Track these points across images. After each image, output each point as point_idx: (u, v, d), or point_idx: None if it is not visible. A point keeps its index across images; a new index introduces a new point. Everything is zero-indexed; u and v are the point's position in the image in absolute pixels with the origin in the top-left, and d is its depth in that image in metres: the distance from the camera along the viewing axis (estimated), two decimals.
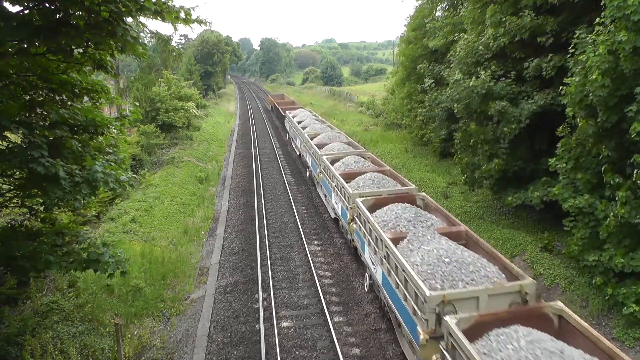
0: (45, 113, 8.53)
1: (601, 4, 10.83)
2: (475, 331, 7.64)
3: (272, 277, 14.62)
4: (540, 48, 14.59)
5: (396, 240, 11.09)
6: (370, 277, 13.01)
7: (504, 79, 15.30)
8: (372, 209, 13.56)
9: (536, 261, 13.84)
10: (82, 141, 8.91)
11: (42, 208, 9.41)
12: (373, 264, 12.22)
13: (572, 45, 12.13)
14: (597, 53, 10.53)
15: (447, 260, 9.64)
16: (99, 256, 8.94)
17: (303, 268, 15.30)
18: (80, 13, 7.27)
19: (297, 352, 10.92)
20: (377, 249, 11.73)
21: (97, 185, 8.46)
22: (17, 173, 8.77)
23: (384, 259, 11.05)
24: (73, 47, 8.01)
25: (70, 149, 8.57)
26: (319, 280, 14.21)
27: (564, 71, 12.92)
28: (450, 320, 7.67)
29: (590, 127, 11.32)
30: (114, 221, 17.87)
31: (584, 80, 11.14)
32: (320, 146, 23.16)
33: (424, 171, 24.98)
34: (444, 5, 27.73)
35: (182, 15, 8.03)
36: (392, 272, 10.44)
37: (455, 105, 16.47)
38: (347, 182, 16.18)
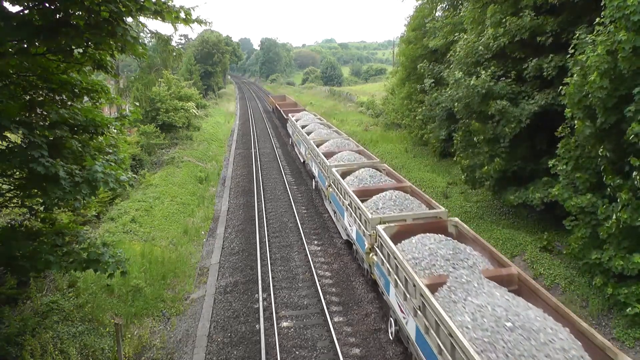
0: (45, 113, 8.53)
1: (601, 4, 10.83)
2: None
3: (272, 277, 14.62)
4: (540, 48, 14.59)
5: (434, 287, 9.01)
6: (396, 323, 10.89)
7: (504, 79, 15.31)
8: (397, 237, 11.46)
9: (536, 261, 13.85)
10: (82, 141, 8.91)
11: (42, 208, 9.40)
12: (402, 311, 10.09)
13: (572, 45, 12.13)
14: (595, 53, 10.53)
15: (509, 325, 7.36)
16: (99, 256, 8.94)
17: (303, 268, 15.30)
18: (80, 13, 7.26)
19: (297, 352, 10.92)
20: (407, 294, 9.61)
21: (97, 185, 8.46)
22: (17, 173, 8.77)
23: (418, 310, 9.01)
24: (73, 47, 8.01)
25: (70, 149, 8.57)
26: (319, 280, 14.21)
27: (565, 71, 12.93)
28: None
29: (588, 128, 11.32)
30: (114, 221, 17.87)
31: (582, 81, 11.15)
32: (327, 155, 21.07)
33: (423, 171, 24.99)
34: (444, 5, 27.74)
35: (182, 15, 8.03)
36: (432, 331, 8.38)
37: (456, 104, 16.47)
38: (362, 201, 14.09)
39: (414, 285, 9.09)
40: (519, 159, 15.79)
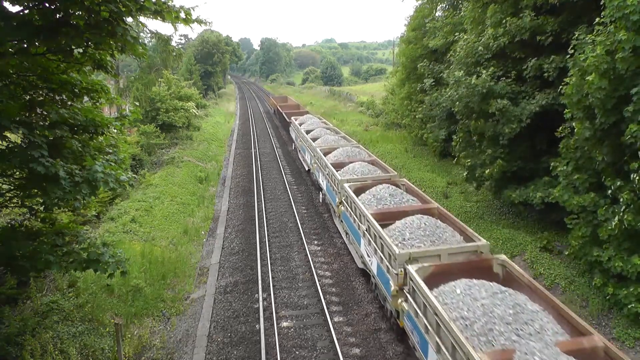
0: (45, 113, 8.53)
1: (601, 3, 10.84)
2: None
3: (272, 277, 14.61)
4: (540, 48, 14.60)
5: None
6: None
7: (504, 79, 15.31)
8: (432, 280, 9.26)
9: (536, 261, 13.85)
10: (82, 141, 8.91)
11: (42, 208, 9.40)
12: None
13: (571, 46, 12.13)
14: (594, 53, 10.52)
15: None
16: (99, 256, 8.95)
17: (303, 268, 15.30)
18: (80, 13, 7.27)
19: (297, 352, 10.92)
20: None
21: (97, 185, 8.46)
22: (17, 173, 8.77)
23: None
24: (73, 47, 8.01)
25: (70, 149, 8.57)
26: (319, 280, 14.20)
27: (565, 71, 12.95)
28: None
29: (587, 130, 11.32)
30: (114, 221, 17.87)
31: (580, 82, 11.15)
32: (337, 166, 18.76)
33: (424, 171, 24.99)
34: (444, 5, 27.75)
35: (182, 15, 8.03)
36: None
37: (456, 104, 16.47)
38: (383, 226, 11.90)
39: None
40: (519, 158, 15.80)
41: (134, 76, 33.57)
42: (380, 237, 11.25)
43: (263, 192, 24.02)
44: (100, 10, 7.00)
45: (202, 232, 19.08)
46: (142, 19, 8.47)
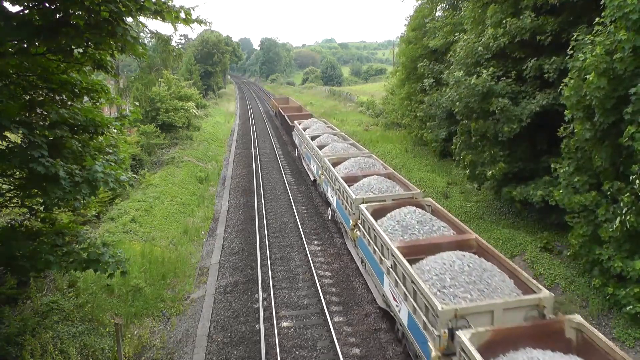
0: (45, 113, 8.54)
1: (601, 3, 10.84)
2: None
3: (272, 277, 14.62)
4: (540, 48, 14.59)
5: None
6: None
7: (504, 79, 15.31)
8: (487, 347, 7.38)
9: (536, 261, 13.85)
10: (82, 141, 8.92)
11: (42, 208, 9.40)
12: None
13: (570, 47, 12.13)
14: (594, 53, 10.52)
15: None
16: (99, 256, 8.95)
17: (303, 268, 15.30)
18: (80, 13, 7.27)
19: (297, 352, 10.92)
20: None
21: (97, 185, 8.47)
22: (17, 173, 8.77)
23: None
24: (73, 47, 8.01)
25: (70, 149, 8.58)
26: (319, 280, 14.20)
27: (565, 72, 12.95)
28: None
29: (587, 131, 11.31)
30: (114, 221, 17.87)
31: (579, 83, 11.15)
32: (349, 180, 16.55)
33: (424, 171, 25.00)
34: (444, 6, 27.76)
35: (182, 15, 8.03)
36: None
37: (457, 104, 16.46)
38: (412, 262, 9.84)
39: None
40: (520, 159, 15.82)
41: (134, 76, 33.59)
42: (413, 282, 9.00)
43: (263, 192, 24.02)
44: (100, 10, 7.00)
45: (202, 232, 19.08)
46: (142, 19, 8.48)
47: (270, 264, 15.59)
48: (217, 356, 10.95)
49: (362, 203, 13.65)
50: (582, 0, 13.21)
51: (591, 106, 11.09)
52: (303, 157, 27.61)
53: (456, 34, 20.09)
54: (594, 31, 11.24)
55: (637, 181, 9.85)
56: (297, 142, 31.11)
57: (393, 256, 10.26)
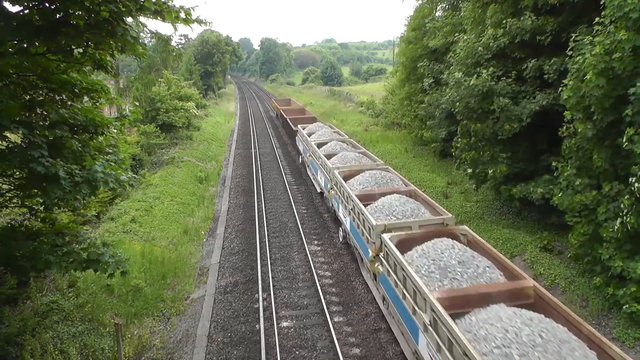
0: (45, 113, 8.53)
1: (601, 3, 10.83)
2: None
3: (272, 277, 14.62)
4: (540, 48, 14.59)
5: None
6: None
7: (504, 78, 15.31)
8: None
9: (536, 261, 13.85)
10: (82, 141, 8.92)
11: (42, 208, 9.40)
12: None
13: (570, 47, 12.13)
14: (593, 53, 10.52)
15: None
16: (99, 256, 8.95)
17: (303, 268, 15.29)
18: (80, 13, 7.27)
19: (297, 352, 10.92)
20: None
21: (97, 185, 8.47)
22: (17, 173, 8.77)
23: None
24: (73, 47, 8.02)
25: (70, 149, 8.58)
26: (319, 280, 14.21)
27: (565, 73, 12.94)
28: None
29: (589, 131, 11.31)
30: (114, 221, 17.87)
31: (578, 84, 11.15)
32: (364, 198, 14.47)
33: (424, 171, 25.00)
34: (444, 6, 27.76)
35: (182, 15, 8.04)
36: None
37: (457, 104, 16.46)
38: (454, 316, 8.04)
39: None
40: (521, 160, 15.82)
41: (134, 76, 33.58)
42: (467, 355, 7.01)
43: (263, 192, 24.02)
44: (100, 10, 7.01)
45: (202, 232, 19.08)
46: (142, 19, 8.48)
47: (270, 264, 15.59)
48: (217, 356, 10.95)
49: (385, 232, 11.61)
50: (582, 0, 13.21)
51: (590, 106, 11.09)
52: (308, 166, 25.32)
53: (456, 34, 20.08)
54: (594, 31, 11.24)
55: (636, 184, 9.85)
56: (301, 148, 28.87)
57: (432, 310, 8.25)
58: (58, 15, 7.31)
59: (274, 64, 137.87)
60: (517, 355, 6.72)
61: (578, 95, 11.23)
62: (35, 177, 7.93)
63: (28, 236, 8.91)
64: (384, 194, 14.58)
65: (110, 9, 7.02)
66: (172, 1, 8.09)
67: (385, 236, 11.12)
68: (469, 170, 17.44)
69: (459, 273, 9.37)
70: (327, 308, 12.63)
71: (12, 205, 9.76)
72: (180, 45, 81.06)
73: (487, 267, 9.69)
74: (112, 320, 10.99)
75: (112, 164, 9.37)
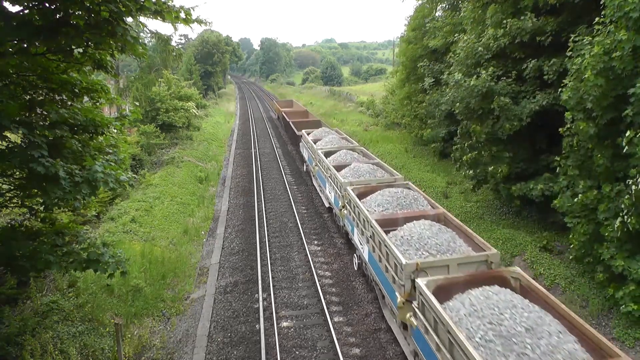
0: (45, 113, 8.54)
1: (601, 2, 10.83)
2: None
3: (272, 277, 14.62)
4: (540, 48, 14.59)
5: None
6: None
7: (504, 78, 15.31)
8: None
9: (536, 261, 13.85)
10: (82, 141, 8.92)
11: (42, 208, 9.41)
12: None
13: (569, 48, 12.12)
14: (592, 53, 10.52)
15: None
16: (99, 256, 8.95)
17: (303, 268, 15.30)
18: (80, 13, 7.27)
19: (297, 352, 10.92)
20: None
21: (97, 185, 8.47)
22: (17, 173, 8.77)
23: None
24: (73, 47, 8.02)
25: (70, 149, 8.58)
26: (319, 280, 14.21)
27: (565, 72, 12.93)
28: None
29: (591, 128, 11.30)
30: (114, 221, 17.87)
31: (577, 84, 11.14)
32: (386, 224, 12.11)
33: (424, 171, 25.00)
34: (444, 6, 27.76)
35: (182, 15, 8.04)
36: None
37: (457, 105, 16.45)
38: None
39: None
40: (522, 160, 15.82)
41: (134, 76, 33.62)
42: None
43: (263, 192, 24.02)
44: (100, 10, 7.01)
45: (202, 232, 19.08)
46: (142, 19, 8.49)
47: (270, 264, 15.59)
48: (217, 356, 10.95)
49: (417, 270, 9.49)
50: (582, 1, 13.20)
51: (589, 105, 11.08)
52: (313, 175, 23.15)
53: (456, 34, 20.08)
54: (594, 31, 11.24)
55: (634, 187, 9.85)
56: (305, 156, 26.56)
57: None
58: (58, 15, 7.32)
59: (274, 64, 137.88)
60: None
61: (577, 95, 11.23)
62: (35, 177, 7.93)
63: (28, 236, 8.92)
64: (408, 218, 12.22)
65: (110, 9, 7.02)
66: (172, 1, 8.10)
67: (421, 282, 8.71)
68: (470, 172, 17.43)
69: (528, 343, 6.86)
70: (327, 308, 12.63)
71: (12, 205, 9.77)
72: (180, 45, 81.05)
73: (559, 331, 7.18)
74: (112, 320, 10.99)
75: (112, 164, 9.37)
